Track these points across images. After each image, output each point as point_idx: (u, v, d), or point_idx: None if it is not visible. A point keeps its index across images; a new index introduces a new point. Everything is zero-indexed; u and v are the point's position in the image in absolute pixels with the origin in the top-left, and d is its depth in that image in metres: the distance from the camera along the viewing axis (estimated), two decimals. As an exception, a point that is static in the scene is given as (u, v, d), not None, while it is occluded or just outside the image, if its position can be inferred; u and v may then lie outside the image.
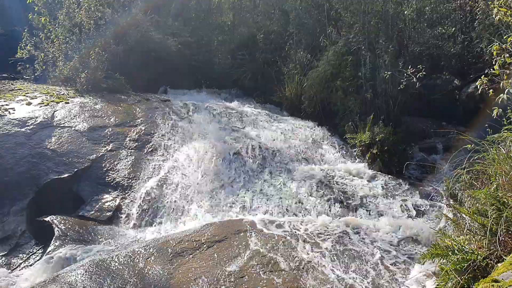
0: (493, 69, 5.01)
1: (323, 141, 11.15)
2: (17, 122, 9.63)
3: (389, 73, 9.88)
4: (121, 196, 8.47)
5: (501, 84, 4.64)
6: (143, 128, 10.45)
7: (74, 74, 12.81)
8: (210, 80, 15.83)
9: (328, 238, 6.82)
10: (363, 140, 10.23)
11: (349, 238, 6.87)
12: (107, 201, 8.35)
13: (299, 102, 12.89)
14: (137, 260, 6.11)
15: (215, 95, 15.03)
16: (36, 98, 11.16)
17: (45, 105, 10.66)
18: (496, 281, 2.95)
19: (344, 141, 11.05)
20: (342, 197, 8.43)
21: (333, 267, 5.97)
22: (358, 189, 8.77)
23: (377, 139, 9.93)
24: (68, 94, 11.97)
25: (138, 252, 6.31)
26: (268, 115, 12.61)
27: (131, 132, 10.22)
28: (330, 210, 8.07)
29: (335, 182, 9.00)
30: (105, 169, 9.03)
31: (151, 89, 14.21)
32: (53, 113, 10.33)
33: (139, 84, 13.63)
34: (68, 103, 11.10)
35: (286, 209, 8.15)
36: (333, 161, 10.26)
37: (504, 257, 3.65)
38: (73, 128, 9.97)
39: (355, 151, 10.58)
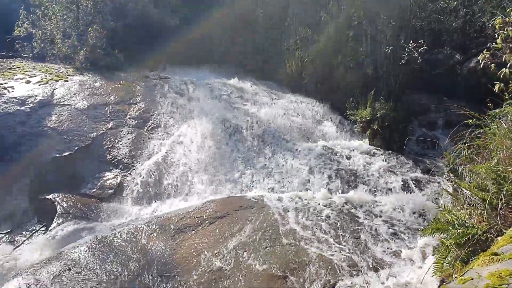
0: (496, 43, 4.95)
1: (323, 118, 11.13)
2: (16, 100, 9.59)
3: (390, 48, 9.77)
4: (122, 174, 8.49)
5: (504, 58, 4.60)
6: (143, 105, 10.41)
7: (72, 52, 12.68)
8: (210, 57, 15.67)
9: (329, 214, 6.87)
10: (363, 116, 10.19)
11: (349, 214, 6.92)
12: (108, 179, 8.37)
13: (300, 79, 12.79)
14: (140, 237, 6.17)
15: (215, 72, 14.92)
16: (35, 76, 11.10)
17: (44, 84, 10.60)
18: (496, 254, 2.97)
19: (345, 117, 11.02)
20: (342, 173, 8.45)
21: (333, 241, 6.03)
22: (359, 165, 8.79)
23: (377, 115, 9.89)
24: (67, 72, 11.89)
25: (141, 228, 6.37)
26: (268, 92, 12.55)
27: (131, 110, 10.19)
28: (330, 186, 8.10)
29: (335, 159, 9.01)
30: (106, 147, 9.04)
31: (150, 66, 14.11)
32: (53, 92, 10.28)
33: (139, 61, 13.51)
34: (67, 81, 11.03)
35: (287, 185, 8.19)
36: (334, 138, 10.27)
37: (504, 230, 3.67)
38: (73, 106, 9.94)
39: (355, 127, 10.56)
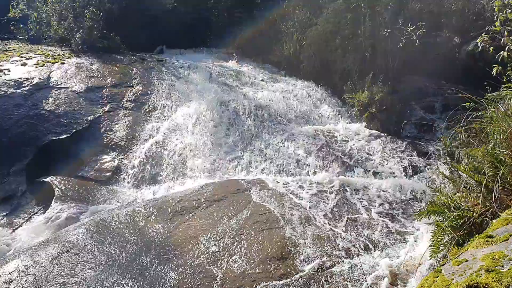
0: (494, 26, 4.93)
1: (321, 101, 11.12)
2: (13, 83, 9.54)
3: (388, 30, 9.71)
4: (120, 157, 8.50)
5: (502, 41, 4.58)
6: (139, 88, 10.38)
7: (69, 34, 12.59)
8: (207, 39, 15.59)
9: (326, 197, 6.91)
10: (361, 100, 10.18)
11: (347, 196, 6.97)
12: (106, 162, 8.38)
13: (298, 62, 12.73)
14: (137, 219, 6.20)
15: (212, 54, 14.84)
16: (31, 58, 11.03)
17: (40, 66, 10.54)
18: (490, 236, 3.00)
19: (342, 101, 11.00)
20: (340, 157, 8.48)
21: (330, 223, 6.08)
22: (356, 148, 8.82)
23: (375, 99, 9.89)
24: (63, 54, 11.82)
25: (138, 211, 6.39)
26: (266, 75, 12.52)
27: (128, 92, 10.16)
28: (328, 169, 8.13)
29: (333, 142, 9.03)
30: (103, 130, 9.04)
31: (147, 48, 14.03)
32: (49, 74, 10.22)
33: (135, 44, 13.42)
34: (64, 63, 10.97)
35: (285, 168, 8.21)
36: (332, 121, 10.27)
37: (499, 213, 3.69)
38: (69, 89, 9.90)
39: (353, 110, 10.54)
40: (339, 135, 9.32)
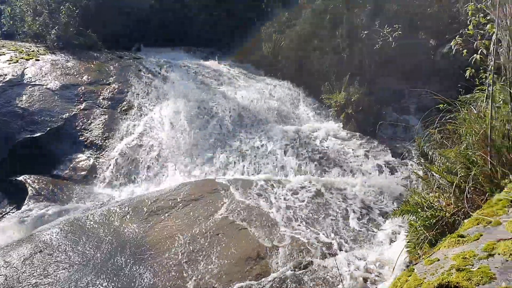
0: (468, 30, 5.03)
1: (299, 101, 11.16)
2: (-16, 79, 9.33)
3: (365, 32, 9.82)
4: (95, 156, 8.39)
5: (475, 44, 4.68)
6: (116, 86, 10.26)
7: (44, 30, 12.35)
8: (185, 38, 15.46)
9: (303, 196, 6.95)
10: (338, 100, 10.27)
11: (323, 196, 7.01)
12: (81, 161, 8.27)
13: (277, 62, 12.77)
14: (113, 219, 6.13)
15: (190, 53, 14.75)
16: (4, 54, 10.78)
17: (14, 62, 10.31)
18: (462, 236, 3.05)
19: (320, 101, 11.07)
20: (317, 157, 8.53)
21: (307, 224, 6.11)
22: (332, 148, 8.89)
23: (352, 100, 9.99)
24: (38, 51, 11.59)
25: (114, 210, 6.33)
26: (245, 75, 12.50)
27: (104, 90, 10.03)
28: (305, 169, 8.17)
29: (310, 142, 9.08)
30: (79, 128, 8.90)
31: (124, 46, 13.85)
32: (23, 71, 10.02)
33: (112, 42, 13.27)
34: (38, 60, 10.76)
35: (262, 168, 8.22)
36: (309, 121, 10.32)
37: (470, 213, 3.76)
38: (44, 86, 9.72)
39: (331, 111, 10.62)
40: (317, 135, 9.38)
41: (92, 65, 11.14)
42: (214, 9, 15.22)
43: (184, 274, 4.98)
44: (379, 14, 10.60)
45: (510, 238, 2.66)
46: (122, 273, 5.02)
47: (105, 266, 5.14)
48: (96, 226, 5.95)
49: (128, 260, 5.25)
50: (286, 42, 12.39)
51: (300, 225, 6.05)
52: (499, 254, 2.54)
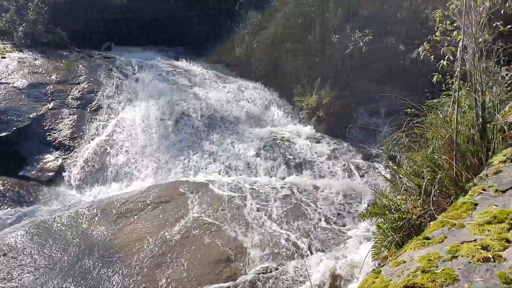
0: (435, 36, 5.14)
1: (271, 103, 11.20)
2: None
3: (337, 36, 9.94)
4: (63, 156, 8.22)
5: (442, 50, 4.78)
6: (86, 86, 10.08)
7: (11, 27, 12.02)
8: (157, 38, 15.30)
9: (274, 198, 6.96)
10: (310, 103, 10.36)
11: (294, 198, 7.05)
12: (48, 161, 8.09)
13: (249, 63, 12.78)
14: (81, 221, 6.02)
15: (162, 53, 14.62)
16: (-32, 51, 10.48)
17: (-22, 60, 10.04)
18: (427, 238, 3.11)
19: (292, 103, 11.14)
20: (288, 158, 8.57)
21: (278, 226, 6.13)
22: (304, 151, 8.95)
23: (323, 102, 10.09)
24: (4, 48, 11.28)
25: (82, 213, 6.21)
26: (217, 76, 12.46)
27: (74, 90, 9.84)
28: (277, 171, 8.20)
29: (282, 144, 9.12)
30: (46, 128, 8.70)
31: (94, 45, 13.61)
32: (-12, 68, 9.75)
33: (82, 40, 13.00)
34: (4, 58, 10.48)
35: (234, 170, 8.21)
36: (281, 123, 10.37)
37: (436, 216, 3.85)
38: (10, 84, 9.46)
39: (302, 113, 10.70)
40: (288, 137, 9.43)
41: (61, 64, 10.92)
42: (187, 10, 15.12)
43: (153, 277, 4.93)
44: (350, 19, 10.75)
45: (473, 241, 2.73)
46: (89, 276, 4.93)
47: (72, 269, 5.04)
48: (64, 228, 5.83)
49: (96, 263, 5.16)
50: (259, 44, 12.42)
51: (271, 227, 6.06)
52: (462, 256, 2.60)
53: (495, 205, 3.10)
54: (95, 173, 7.94)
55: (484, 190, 3.44)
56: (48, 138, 8.52)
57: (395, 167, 4.75)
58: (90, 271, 5.01)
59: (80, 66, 10.99)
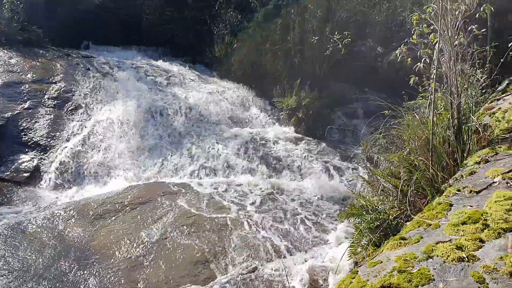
0: (412, 38, 5.21)
1: (251, 104, 11.21)
2: None
3: (316, 38, 10.01)
4: (39, 157, 8.07)
5: (418, 53, 4.85)
6: (63, 85, 9.91)
7: (-16, 24, 11.78)
8: (136, 37, 15.16)
9: (254, 199, 6.97)
10: (289, 104, 10.41)
11: (274, 199, 7.06)
12: (24, 162, 7.92)
13: (229, 64, 12.76)
14: (57, 223, 5.92)
15: (141, 52, 14.49)
16: None
17: (-49, 58, 9.79)
18: (403, 238, 3.15)
19: (272, 104, 11.17)
20: (268, 159, 8.59)
21: (257, 227, 6.12)
22: (283, 151, 8.97)
23: (303, 104, 10.15)
24: (-23, 46, 11.06)
25: (58, 214, 6.11)
26: (197, 76, 12.41)
27: (50, 89, 9.67)
28: (256, 172, 8.21)
29: (262, 145, 9.13)
30: (22, 128, 8.53)
31: (72, 44, 13.42)
32: (-39, 67, 9.53)
33: (59, 39, 12.82)
34: (-22, 56, 10.26)
35: (213, 170, 8.18)
36: (261, 124, 10.38)
37: (412, 216, 3.90)
38: (-16, 83, 9.27)
39: (282, 114, 10.74)
40: (268, 138, 9.45)
41: (38, 63, 10.72)
42: (168, 10, 15.02)
43: (131, 279, 4.87)
44: (329, 21, 10.82)
45: (448, 241, 2.77)
46: (65, 279, 4.85)
47: (48, 271, 4.94)
48: (39, 230, 5.73)
49: (73, 265, 5.08)
50: (238, 45, 12.41)
51: (250, 228, 6.06)
52: (437, 256, 2.64)
53: (470, 206, 3.15)
54: (71, 174, 7.81)
55: (459, 190, 3.49)
56: (23, 138, 8.35)
57: (372, 168, 4.80)
58: (66, 274, 4.93)
59: (57, 65, 10.81)
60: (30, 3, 12.50)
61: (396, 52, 5.10)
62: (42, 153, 8.16)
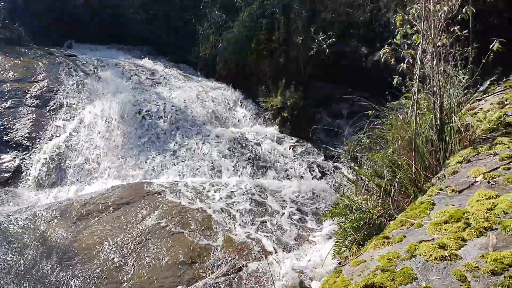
0: (396, 39, 5.25)
1: (236, 104, 11.18)
2: None
3: (301, 38, 10.03)
4: (21, 156, 7.95)
5: (402, 53, 4.89)
6: (45, 84, 9.78)
7: (-36, 23, 11.58)
8: (120, 36, 15.01)
9: (238, 199, 6.96)
10: (275, 104, 10.41)
11: (258, 199, 7.06)
12: (5, 162, 7.81)
13: (214, 63, 12.72)
14: (39, 223, 5.84)
15: (125, 51, 14.37)
16: None
17: None
18: (387, 237, 3.17)
19: (257, 104, 11.15)
20: (253, 159, 8.59)
21: (242, 227, 6.12)
22: (268, 151, 8.98)
23: (288, 104, 10.16)
24: (-43, 45, 10.86)
25: (40, 215, 6.03)
26: (181, 75, 12.34)
27: (32, 88, 9.53)
28: (241, 172, 8.20)
29: (246, 145, 9.12)
30: (3, 127, 8.40)
31: (55, 42, 13.24)
32: None
33: (42, 37, 12.64)
34: (-43, 54, 10.08)
35: (198, 171, 8.15)
36: (246, 124, 10.36)
37: (395, 215, 3.93)
38: (-36, 82, 9.11)
39: (267, 114, 10.73)
40: (253, 138, 9.44)
41: (19, 62, 10.56)
42: (151, 8, 14.91)
43: (114, 280, 4.83)
44: (314, 21, 10.85)
45: (431, 240, 2.80)
46: (47, 280, 4.79)
47: (29, 273, 4.88)
48: (21, 231, 5.65)
49: (55, 267, 5.02)
50: (223, 45, 12.38)
51: (235, 228, 6.06)
52: (420, 255, 2.66)
53: (452, 205, 3.19)
54: (54, 174, 7.71)
55: (441, 190, 3.53)
56: (4, 138, 8.23)
57: (357, 168, 4.83)
58: (48, 275, 4.87)
59: (40, 64, 10.66)
60: (12, 2, 12.33)
61: (380, 52, 5.13)
62: (24, 153, 8.04)
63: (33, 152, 8.08)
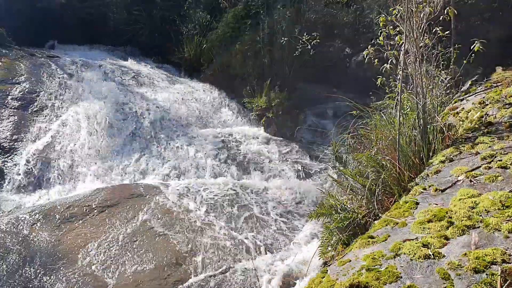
0: (379, 40, 5.30)
1: (221, 105, 11.17)
2: None
3: (285, 39, 10.07)
4: (2, 159, 7.82)
5: (385, 54, 4.93)
6: (27, 86, 9.64)
7: None
8: (103, 36, 14.85)
9: (224, 199, 6.95)
10: (259, 105, 10.42)
11: (244, 200, 7.06)
12: (-14, 165, 7.68)
13: (198, 64, 12.69)
14: (21, 227, 5.75)
15: (108, 52, 14.25)
16: None
17: None
18: (371, 237, 3.20)
19: (242, 105, 11.16)
20: (239, 160, 8.58)
21: (227, 228, 6.11)
22: (253, 152, 8.98)
23: (273, 104, 10.18)
24: None
25: (22, 218, 5.94)
26: (165, 76, 12.29)
27: (14, 90, 9.39)
28: (226, 173, 8.18)
29: (232, 145, 9.12)
30: (-16, 130, 8.28)
31: (37, 43, 13.09)
32: None
33: (23, 38, 12.47)
34: None
35: (183, 172, 8.12)
36: (231, 125, 10.36)
37: (380, 215, 3.97)
38: None
39: (252, 115, 10.74)
40: (238, 139, 9.43)
41: (0, 63, 10.40)
42: (134, 8, 14.80)
43: (99, 284, 4.78)
44: (299, 22, 10.89)
45: (415, 239, 2.83)
46: (30, 285, 4.72)
47: (12, 278, 4.80)
48: (3, 235, 5.55)
49: (38, 271, 4.95)
50: (208, 45, 12.36)
51: (220, 229, 6.04)
52: (404, 254, 2.69)
53: (435, 204, 3.23)
54: (37, 177, 7.60)
55: (425, 189, 3.57)
56: (-15, 141, 8.10)
57: (341, 168, 4.86)
58: (31, 280, 4.81)
59: (21, 65, 10.51)
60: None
61: (364, 53, 5.17)
62: (5, 156, 7.91)
63: (15, 154, 7.95)
